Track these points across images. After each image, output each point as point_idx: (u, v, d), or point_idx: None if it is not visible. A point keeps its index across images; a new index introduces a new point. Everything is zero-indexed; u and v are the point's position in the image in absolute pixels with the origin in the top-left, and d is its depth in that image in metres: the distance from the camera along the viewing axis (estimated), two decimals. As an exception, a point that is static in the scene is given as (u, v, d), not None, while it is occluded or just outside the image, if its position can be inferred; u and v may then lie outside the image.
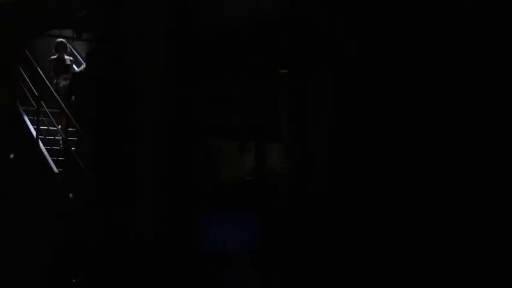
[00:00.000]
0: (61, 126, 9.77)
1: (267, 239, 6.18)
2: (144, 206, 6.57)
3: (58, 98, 9.66)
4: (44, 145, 9.70)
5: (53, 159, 9.49)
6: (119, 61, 6.84)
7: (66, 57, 10.67)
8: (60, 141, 9.78)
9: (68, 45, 10.74)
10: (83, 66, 9.85)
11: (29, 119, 10.09)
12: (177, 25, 6.26)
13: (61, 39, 10.72)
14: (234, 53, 5.92)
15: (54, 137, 9.81)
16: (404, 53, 4.87)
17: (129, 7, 6.75)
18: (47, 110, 9.83)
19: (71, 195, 8.93)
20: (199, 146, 6.34)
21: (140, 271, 6.32)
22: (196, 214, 6.16)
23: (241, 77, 5.96)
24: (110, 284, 6.63)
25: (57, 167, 9.35)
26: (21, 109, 10.25)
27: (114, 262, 6.60)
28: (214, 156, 6.50)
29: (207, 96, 6.30)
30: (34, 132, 9.80)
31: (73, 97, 9.85)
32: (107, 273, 6.69)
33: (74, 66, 10.75)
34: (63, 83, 10.40)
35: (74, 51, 11.28)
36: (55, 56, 10.58)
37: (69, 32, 10.73)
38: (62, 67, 10.52)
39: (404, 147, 4.79)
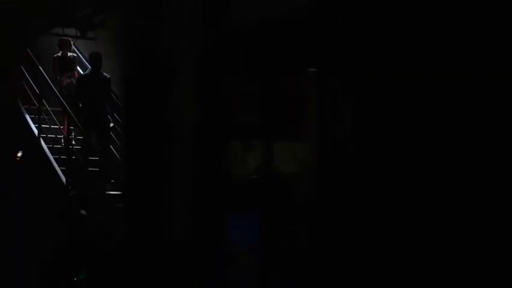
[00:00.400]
0: (63, 127, 9.73)
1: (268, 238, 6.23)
2: (176, 206, 6.53)
3: (61, 98, 9.55)
4: (46, 143, 9.67)
5: (54, 158, 9.47)
6: (155, 60, 6.77)
7: (69, 54, 10.56)
8: (62, 141, 9.73)
9: (71, 43, 10.64)
10: (90, 69, 9.68)
11: (31, 117, 10.08)
12: (212, 25, 6.25)
13: (66, 37, 10.63)
14: (264, 51, 5.85)
15: (56, 135, 9.78)
16: (403, 53, 4.89)
17: (168, 6, 6.72)
18: (48, 109, 9.80)
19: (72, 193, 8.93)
20: (227, 145, 6.26)
21: (173, 270, 6.30)
22: (225, 214, 6.11)
23: (269, 75, 5.89)
24: (141, 284, 6.58)
25: (59, 166, 9.33)
26: (22, 108, 10.23)
27: (146, 261, 6.54)
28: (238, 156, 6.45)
29: (234, 94, 6.23)
30: (36, 131, 9.78)
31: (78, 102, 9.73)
32: (139, 272, 6.62)
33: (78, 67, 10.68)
34: (66, 80, 10.30)
35: (78, 52, 11.17)
36: (59, 54, 10.44)
37: (72, 31, 10.69)
38: (65, 65, 10.40)
39: (407, 148, 4.81)
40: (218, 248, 6.14)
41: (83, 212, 8.52)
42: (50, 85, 9.73)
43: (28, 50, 10.21)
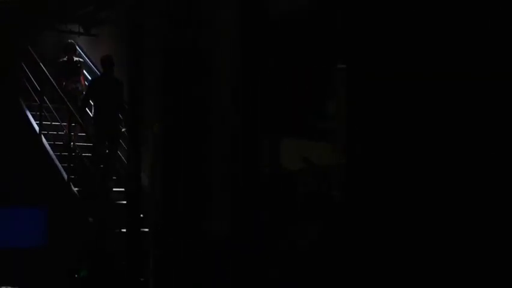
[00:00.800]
0: (74, 132, 9.59)
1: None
2: (217, 206, 6.50)
3: (65, 99, 9.41)
4: (48, 140, 9.66)
5: (56, 155, 9.46)
6: (191, 59, 6.70)
7: (75, 59, 10.24)
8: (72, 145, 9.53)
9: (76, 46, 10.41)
10: (101, 73, 9.39)
11: (32, 114, 10.06)
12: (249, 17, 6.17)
13: (70, 40, 10.43)
14: (297, 43, 5.82)
15: (57, 132, 9.76)
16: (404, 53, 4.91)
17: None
18: (50, 106, 9.78)
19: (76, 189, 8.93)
20: (265, 143, 6.18)
21: (213, 270, 6.29)
22: (263, 214, 6.06)
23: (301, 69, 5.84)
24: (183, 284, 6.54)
25: (60, 163, 9.32)
26: (23, 105, 10.20)
27: (187, 263, 6.51)
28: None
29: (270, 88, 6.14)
30: (37, 128, 9.76)
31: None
32: (180, 273, 6.59)
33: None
34: (72, 86, 10.00)
35: (81, 53, 11.06)
36: (64, 58, 10.16)
37: (75, 27, 10.61)
38: (71, 69, 10.09)
39: (410, 147, 4.83)
40: (256, 245, 6.04)
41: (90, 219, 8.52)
42: (52, 82, 9.71)
43: (29, 46, 10.20)
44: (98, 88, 9.11)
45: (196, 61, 6.74)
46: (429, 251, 4.64)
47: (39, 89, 9.88)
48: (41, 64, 9.89)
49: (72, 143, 9.32)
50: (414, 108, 4.80)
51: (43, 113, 9.68)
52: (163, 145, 7.09)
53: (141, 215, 7.77)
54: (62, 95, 9.49)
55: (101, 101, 9.05)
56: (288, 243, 5.81)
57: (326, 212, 5.57)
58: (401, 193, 4.85)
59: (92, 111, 9.46)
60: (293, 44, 5.94)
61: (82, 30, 10.54)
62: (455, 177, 4.55)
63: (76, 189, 8.96)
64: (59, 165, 9.28)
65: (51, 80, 9.72)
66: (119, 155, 9.38)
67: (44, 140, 9.64)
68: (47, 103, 9.74)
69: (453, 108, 4.60)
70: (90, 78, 10.40)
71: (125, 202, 8.06)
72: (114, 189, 9.00)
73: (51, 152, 9.48)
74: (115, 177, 9.25)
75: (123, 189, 8.73)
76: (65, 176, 9.05)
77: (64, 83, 9.95)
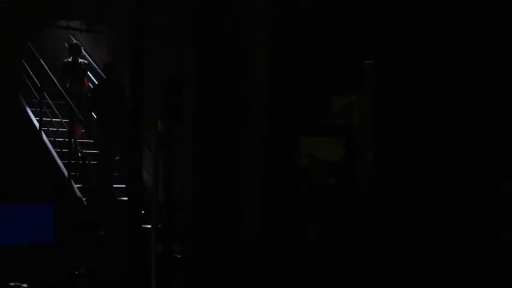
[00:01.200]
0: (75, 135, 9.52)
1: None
2: (252, 206, 6.43)
3: (69, 100, 9.34)
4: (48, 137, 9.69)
5: (56, 151, 9.49)
6: (226, 52, 6.60)
7: (80, 60, 10.09)
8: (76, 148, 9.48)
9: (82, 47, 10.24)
10: (104, 79, 9.38)
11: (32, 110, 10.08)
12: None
13: (76, 42, 10.35)
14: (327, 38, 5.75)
15: (57, 128, 9.79)
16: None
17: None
18: (50, 102, 9.80)
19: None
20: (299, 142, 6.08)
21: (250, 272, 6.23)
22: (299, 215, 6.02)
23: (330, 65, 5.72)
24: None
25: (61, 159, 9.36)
26: (23, 101, 10.20)
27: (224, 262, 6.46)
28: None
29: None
30: (37, 124, 9.79)
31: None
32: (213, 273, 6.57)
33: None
34: (76, 87, 9.85)
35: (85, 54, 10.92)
36: (69, 59, 10.02)
37: (76, 24, 10.56)
38: (75, 71, 9.94)
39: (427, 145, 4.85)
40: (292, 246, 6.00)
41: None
42: (52, 78, 9.72)
43: (29, 42, 10.20)
44: (102, 94, 9.09)
45: (233, 52, 6.63)
46: (459, 248, 4.66)
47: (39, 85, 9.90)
48: (41, 60, 9.90)
49: (73, 140, 9.34)
50: (445, 105, 4.81)
51: (43, 109, 9.71)
52: (192, 141, 6.98)
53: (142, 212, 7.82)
54: (65, 94, 9.44)
55: (105, 107, 9.01)
56: (321, 240, 5.77)
57: (356, 209, 5.54)
58: (428, 190, 4.87)
59: (96, 115, 9.42)
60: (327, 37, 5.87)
61: (83, 27, 10.43)
62: (486, 177, 4.56)
63: (77, 185, 9.00)
64: (60, 162, 9.32)
65: (51, 75, 9.74)
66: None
67: (44, 136, 9.67)
68: (47, 99, 9.76)
69: (483, 106, 4.60)
70: (91, 77, 10.42)
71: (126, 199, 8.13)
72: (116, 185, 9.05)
73: (51, 149, 9.51)
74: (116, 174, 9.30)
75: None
76: (66, 173, 9.10)
77: (68, 84, 9.86)
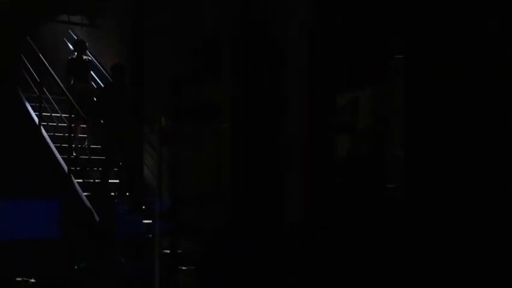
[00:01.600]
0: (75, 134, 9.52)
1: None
2: (293, 199, 6.46)
3: (72, 101, 9.29)
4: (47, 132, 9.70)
5: (55, 146, 9.51)
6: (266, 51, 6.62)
7: (85, 57, 10.02)
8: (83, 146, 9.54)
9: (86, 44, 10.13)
10: (111, 82, 9.30)
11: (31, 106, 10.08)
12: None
13: (81, 38, 10.28)
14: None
15: (57, 123, 9.81)
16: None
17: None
18: (49, 97, 9.80)
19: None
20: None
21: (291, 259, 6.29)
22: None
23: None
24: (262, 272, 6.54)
25: (60, 154, 9.38)
26: (23, 96, 10.20)
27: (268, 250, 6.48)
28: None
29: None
30: (36, 119, 9.80)
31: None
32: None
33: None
34: (80, 86, 9.77)
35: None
36: (73, 56, 9.95)
37: (77, 18, 10.49)
38: (80, 69, 9.86)
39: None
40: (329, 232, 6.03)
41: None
42: (52, 74, 9.72)
43: (28, 37, 10.19)
44: (109, 97, 9.08)
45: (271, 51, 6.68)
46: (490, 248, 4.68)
47: (38, 80, 9.90)
48: (40, 55, 9.89)
49: (73, 135, 9.37)
50: (476, 103, 4.80)
51: (43, 104, 9.72)
52: (231, 137, 7.06)
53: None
54: (66, 91, 9.38)
55: (111, 109, 9.00)
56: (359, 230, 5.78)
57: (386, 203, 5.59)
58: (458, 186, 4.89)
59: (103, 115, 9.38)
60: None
61: (85, 21, 10.34)
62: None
63: (77, 181, 9.04)
64: (59, 157, 9.34)
65: (51, 71, 9.73)
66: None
67: (43, 131, 9.69)
68: (46, 94, 9.77)
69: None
70: (93, 74, 10.45)
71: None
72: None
73: (51, 144, 9.53)
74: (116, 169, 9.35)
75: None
76: (66, 168, 9.14)
77: (72, 82, 9.79)
